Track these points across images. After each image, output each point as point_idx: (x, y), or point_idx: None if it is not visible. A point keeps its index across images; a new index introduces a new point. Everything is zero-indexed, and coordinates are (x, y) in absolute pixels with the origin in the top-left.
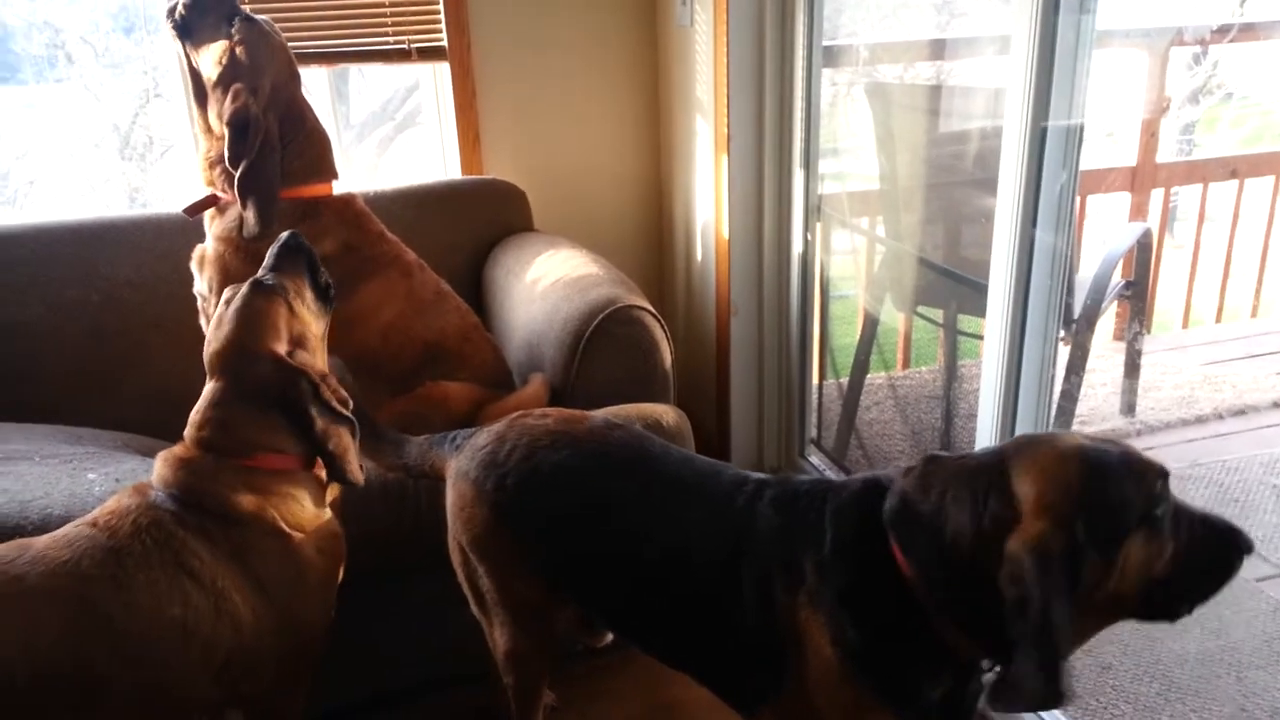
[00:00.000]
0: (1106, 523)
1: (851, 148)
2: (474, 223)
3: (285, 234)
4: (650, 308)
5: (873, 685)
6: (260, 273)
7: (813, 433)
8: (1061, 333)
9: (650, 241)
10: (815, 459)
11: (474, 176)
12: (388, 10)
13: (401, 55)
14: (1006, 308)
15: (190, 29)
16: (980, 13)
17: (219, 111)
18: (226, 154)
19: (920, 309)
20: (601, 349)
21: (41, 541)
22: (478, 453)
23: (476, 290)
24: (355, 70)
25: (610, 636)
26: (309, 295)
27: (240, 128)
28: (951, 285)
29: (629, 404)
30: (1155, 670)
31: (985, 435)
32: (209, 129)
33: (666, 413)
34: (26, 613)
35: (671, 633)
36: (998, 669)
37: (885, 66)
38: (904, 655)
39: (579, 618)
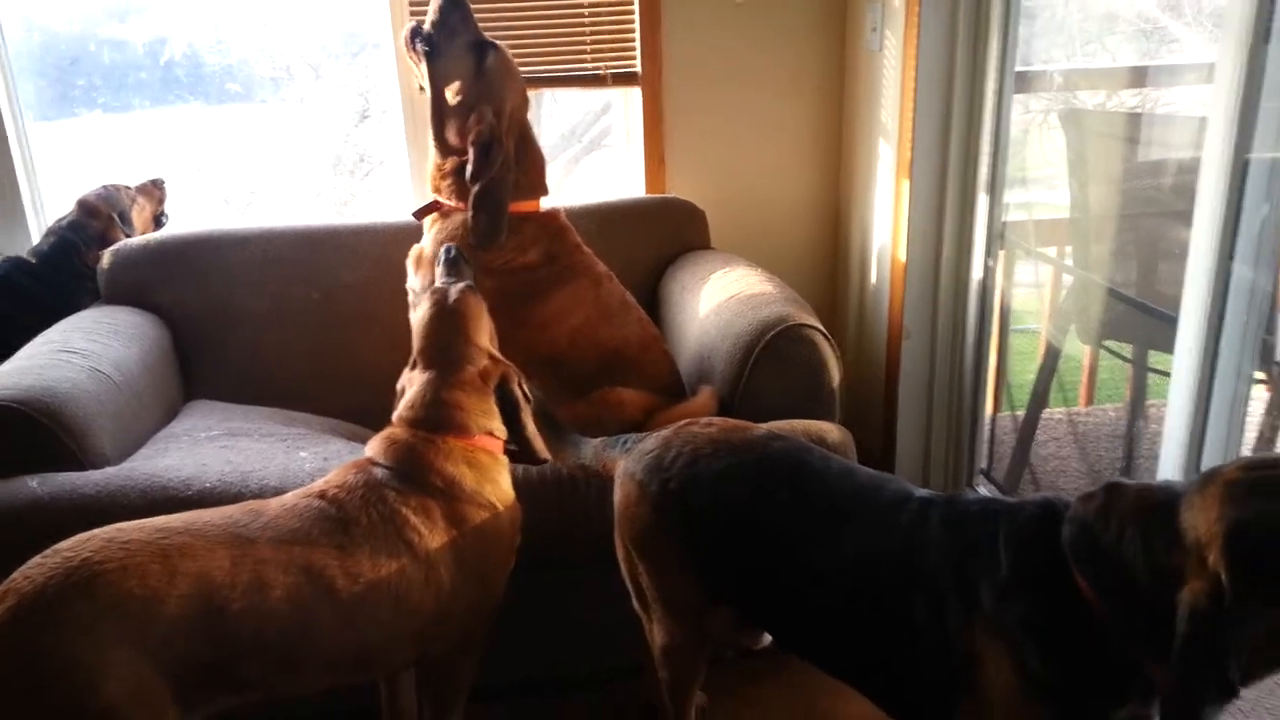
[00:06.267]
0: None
1: (1041, 175)
2: (654, 239)
3: (450, 248)
4: (820, 327)
5: (1056, 711)
6: (439, 281)
7: (983, 464)
8: (1261, 374)
9: (824, 262)
10: (984, 490)
11: (656, 195)
12: (588, 38)
13: (597, 80)
14: (1198, 344)
15: (438, 51)
16: (1188, 40)
17: (460, 129)
18: (470, 171)
19: (1107, 343)
20: (770, 365)
21: (272, 508)
22: (644, 456)
23: (652, 304)
24: (549, 96)
25: (768, 639)
26: None
27: (485, 148)
28: (1143, 319)
29: (795, 419)
30: None
31: (1167, 476)
32: (444, 143)
33: (831, 430)
34: (257, 574)
35: (831, 645)
36: None
37: (1082, 93)
38: (1089, 680)
39: (736, 618)
